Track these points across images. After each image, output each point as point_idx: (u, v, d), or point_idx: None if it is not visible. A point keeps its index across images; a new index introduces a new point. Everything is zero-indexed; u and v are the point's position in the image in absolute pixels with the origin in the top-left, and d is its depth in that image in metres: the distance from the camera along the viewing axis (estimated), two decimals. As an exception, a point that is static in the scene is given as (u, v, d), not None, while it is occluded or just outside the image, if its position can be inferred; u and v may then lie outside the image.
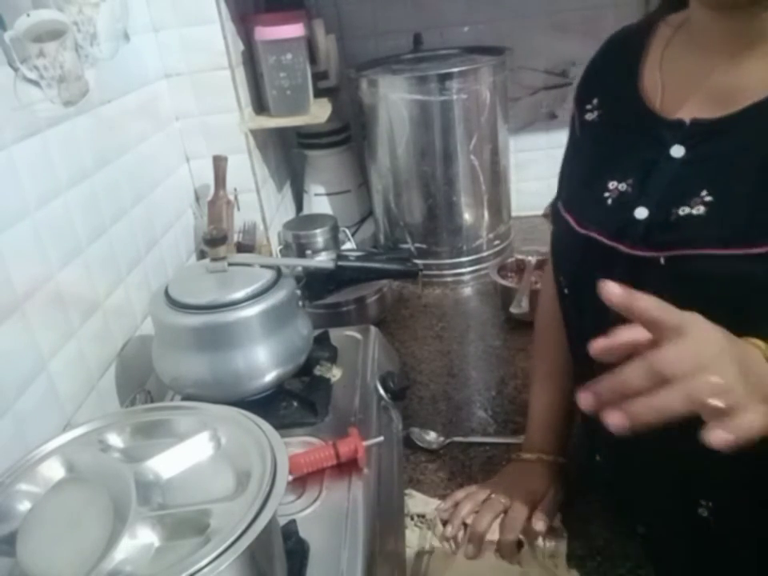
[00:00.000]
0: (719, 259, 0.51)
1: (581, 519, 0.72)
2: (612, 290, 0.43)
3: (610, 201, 0.60)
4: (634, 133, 0.61)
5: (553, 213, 0.73)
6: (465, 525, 0.72)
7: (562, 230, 0.67)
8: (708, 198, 0.53)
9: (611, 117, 0.66)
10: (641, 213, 0.57)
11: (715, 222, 0.52)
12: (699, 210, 0.53)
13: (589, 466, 0.75)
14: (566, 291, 0.70)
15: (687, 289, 0.49)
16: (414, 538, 0.73)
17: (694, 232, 0.53)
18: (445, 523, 0.74)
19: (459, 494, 0.76)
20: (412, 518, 0.76)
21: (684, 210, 0.54)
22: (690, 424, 0.47)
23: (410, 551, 0.71)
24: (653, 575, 0.65)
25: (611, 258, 0.58)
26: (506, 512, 0.72)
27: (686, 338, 0.41)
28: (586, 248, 0.61)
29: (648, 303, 0.43)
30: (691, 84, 0.58)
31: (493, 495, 0.74)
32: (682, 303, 0.44)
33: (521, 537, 0.70)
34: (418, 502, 0.78)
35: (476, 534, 0.70)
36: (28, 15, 0.71)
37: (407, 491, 0.79)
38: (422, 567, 0.70)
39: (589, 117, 0.68)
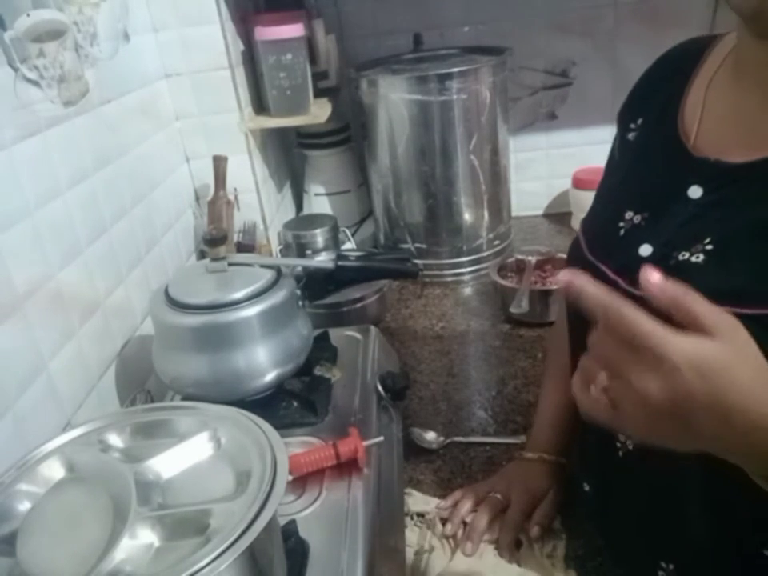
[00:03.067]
0: None
1: (581, 519, 0.72)
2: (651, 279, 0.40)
3: (622, 232, 0.58)
4: (661, 164, 0.57)
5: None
6: (464, 523, 0.73)
7: (574, 250, 0.64)
8: (709, 247, 0.49)
9: (646, 142, 0.61)
10: (645, 250, 0.54)
11: (710, 273, 0.49)
12: (698, 257, 0.50)
13: (577, 493, 0.73)
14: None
15: None
16: (413, 538, 0.73)
17: (687, 280, 0.47)
18: (444, 522, 0.74)
19: (459, 493, 0.76)
20: (412, 518, 0.76)
21: (684, 255, 0.51)
22: (658, 466, 0.52)
23: (410, 550, 0.72)
24: None
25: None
26: (504, 510, 0.72)
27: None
28: (594, 275, 0.55)
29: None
30: (727, 120, 0.53)
31: (491, 494, 0.74)
32: None
33: (519, 536, 0.71)
34: (417, 501, 0.78)
35: (474, 532, 0.70)
36: (28, 15, 0.71)
37: (407, 491, 0.79)
38: (421, 566, 0.70)
39: (631, 136, 0.64)
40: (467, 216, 1.33)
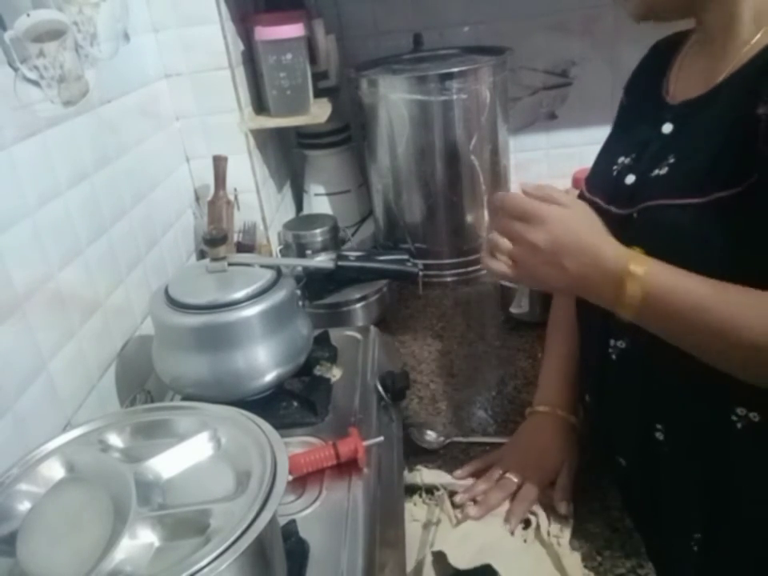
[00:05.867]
0: (675, 207, 0.61)
1: (581, 519, 0.72)
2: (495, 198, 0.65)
3: (615, 172, 0.71)
4: (645, 117, 0.72)
5: None
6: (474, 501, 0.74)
7: (579, 196, 0.77)
8: (671, 160, 0.64)
9: (637, 105, 0.78)
10: (629, 179, 0.69)
11: (673, 178, 0.63)
12: (664, 170, 0.64)
13: (581, 407, 0.83)
14: None
15: (653, 237, 0.61)
16: (422, 514, 0.75)
17: (657, 188, 0.63)
18: (453, 494, 0.76)
19: (474, 465, 0.79)
20: (420, 495, 0.77)
21: (654, 172, 0.65)
22: (649, 353, 0.66)
23: (418, 524, 0.73)
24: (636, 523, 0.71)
25: (607, 219, 0.67)
26: (519, 487, 0.74)
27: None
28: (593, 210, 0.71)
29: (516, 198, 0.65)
30: (691, 76, 0.70)
31: (507, 474, 0.76)
32: (652, 251, 0.59)
33: (529, 516, 0.72)
34: (428, 474, 0.79)
35: (486, 506, 0.73)
36: (28, 15, 0.71)
37: (416, 467, 0.81)
38: (429, 538, 0.71)
39: (626, 102, 0.81)
40: (467, 216, 1.33)
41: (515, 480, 0.75)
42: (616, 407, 0.76)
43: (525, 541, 0.69)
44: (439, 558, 0.67)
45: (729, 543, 0.68)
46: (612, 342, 0.71)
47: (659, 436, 0.70)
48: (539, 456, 0.78)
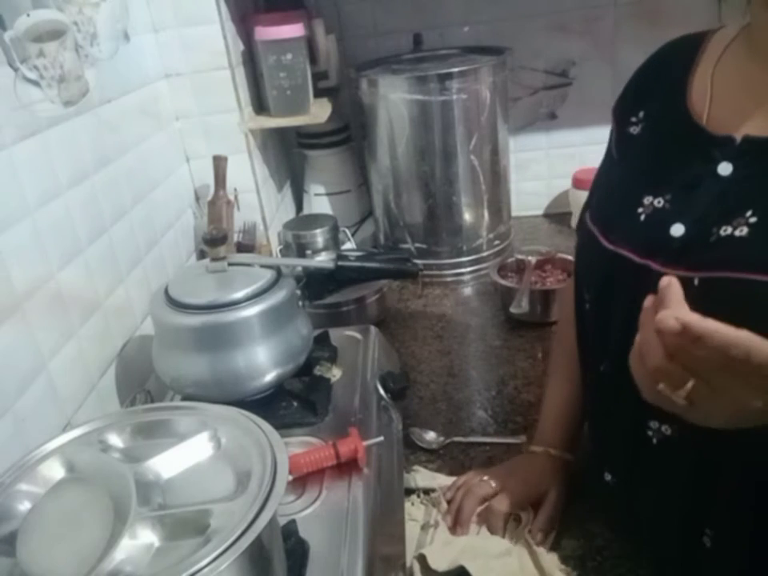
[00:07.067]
0: (758, 285, 0.47)
1: (581, 519, 0.72)
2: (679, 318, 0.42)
3: (643, 217, 0.58)
4: (678, 148, 0.58)
5: (579, 223, 0.72)
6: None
7: (587, 243, 0.65)
8: (752, 219, 0.50)
9: (655, 130, 0.63)
10: (677, 230, 0.54)
11: (758, 244, 0.49)
12: (742, 231, 0.50)
13: (598, 486, 0.72)
14: (587, 306, 0.67)
15: (719, 313, 0.43)
16: (419, 514, 0.75)
17: (733, 254, 0.50)
18: (448, 501, 0.76)
19: (461, 480, 0.78)
20: (418, 495, 0.78)
21: (726, 230, 0.51)
22: (701, 446, 0.53)
23: (416, 524, 0.74)
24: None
25: (641, 276, 0.55)
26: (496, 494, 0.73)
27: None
28: (614, 265, 0.59)
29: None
30: (745, 98, 0.55)
31: (485, 478, 0.74)
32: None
33: (521, 513, 0.72)
34: (424, 477, 0.80)
35: (462, 516, 0.72)
36: (28, 15, 0.71)
37: (413, 467, 0.81)
38: (427, 540, 0.72)
39: (633, 130, 0.65)
40: (467, 216, 1.33)
41: (492, 485, 0.73)
42: (650, 498, 0.64)
43: (513, 540, 0.70)
44: (422, 561, 0.67)
45: None
46: (652, 423, 0.59)
47: (707, 542, 0.58)
48: (526, 473, 0.75)
